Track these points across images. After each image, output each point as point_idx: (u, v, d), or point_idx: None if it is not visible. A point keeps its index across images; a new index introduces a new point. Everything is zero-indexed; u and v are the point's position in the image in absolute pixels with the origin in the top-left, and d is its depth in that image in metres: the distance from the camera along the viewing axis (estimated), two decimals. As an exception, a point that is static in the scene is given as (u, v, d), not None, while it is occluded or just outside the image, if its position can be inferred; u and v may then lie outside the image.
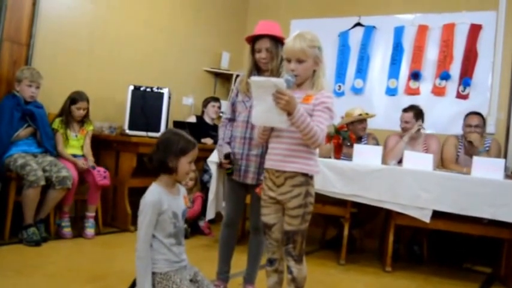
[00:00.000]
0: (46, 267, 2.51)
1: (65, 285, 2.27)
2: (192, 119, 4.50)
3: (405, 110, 3.76)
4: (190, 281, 1.88)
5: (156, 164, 1.81)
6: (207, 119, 4.54)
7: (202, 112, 4.59)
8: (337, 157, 3.36)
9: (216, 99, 4.59)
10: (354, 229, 3.70)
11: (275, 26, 2.20)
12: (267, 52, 2.16)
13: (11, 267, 2.44)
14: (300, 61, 1.83)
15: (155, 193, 1.81)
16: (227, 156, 2.25)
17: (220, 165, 2.35)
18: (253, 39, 2.21)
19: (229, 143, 2.30)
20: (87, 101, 3.44)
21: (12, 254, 2.72)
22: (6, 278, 2.27)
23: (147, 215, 1.77)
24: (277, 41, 2.15)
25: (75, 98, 3.39)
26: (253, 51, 2.21)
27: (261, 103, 1.74)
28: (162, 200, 1.80)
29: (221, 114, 4.44)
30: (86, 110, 3.44)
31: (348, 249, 3.59)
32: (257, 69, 2.24)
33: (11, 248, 2.83)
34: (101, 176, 3.33)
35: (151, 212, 1.77)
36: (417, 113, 3.73)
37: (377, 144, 3.82)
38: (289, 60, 1.85)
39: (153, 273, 1.79)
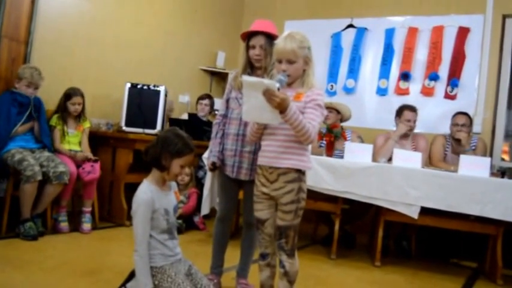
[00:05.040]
0: (42, 261, 2.52)
1: (61, 279, 2.29)
2: (184, 117, 4.54)
3: (412, 110, 3.75)
4: (185, 274, 1.93)
5: (150, 158, 1.85)
6: (200, 116, 4.60)
7: (196, 109, 4.66)
8: (329, 155, 3.43)
9: (204, 97, 4.62)
10: (346, 225, 3.77)
11: (271, 25, 2.23)
12: (260, 49, 2.18)
13: (8, 262, 2.46)
14: (290, 62, 1.85)
15: (147, 191, 1.83)
16: (213, 164, 2.31)
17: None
18: (248, 36, 2.23)
19: (220, 143, 2.32)
20: (82, 96, 3.46)
21: (9, 248, 2.73)
22: (2, 272, 2.28)
23: (142, 214, 1.80)
24: (272, 39, 2.17)
25: (69, 94, 3.42)
26: (247, 48, 2.23)
27: (251, 100, 1.76)
28: (154, 198, 1.83)
29: (216, 113, 4.49)
30: (81, 105, 3.46)
31: (345, 246, 3.66)
32: (251, 66, 2.26)
33: (8, 242, 2.85)
34: (86, 172, 3.33)
35: (145, 211, 1.80)
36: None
37: (362, 141, 3.87)
38: (279, 61, 1.87)
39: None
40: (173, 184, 1.99)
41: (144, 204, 1.81)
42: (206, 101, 4.59)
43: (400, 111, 3.81)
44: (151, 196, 1.83)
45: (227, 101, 2.35)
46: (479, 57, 4.32)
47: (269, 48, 2.16)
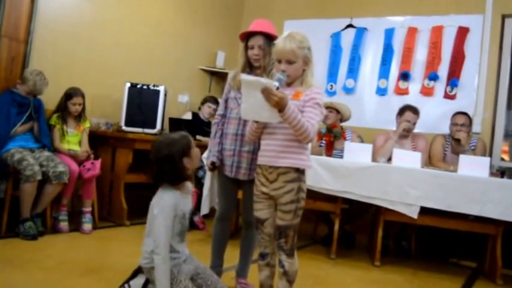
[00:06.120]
0: (42, 261, 2.53)
1: (60, 278, 2.29)
2: (188, 116, 4.54)
3: (414, 111, 3.76)
4: (191, 279, 1.95)
5: (175, 177, 1.87)
6: (202, 116, 4.60)
7: (199, 109, 4.63)
8: (329, 154, 3.43)
9: (214, 101, 4.60)
10: (346, 225, 3.78)
11: (269, 25, 2.24)
12: (259, 49, 2.19)
13: (7, 261, 2.46)
14: (290, 62, 1.86)
15: (171, 195, 1.86)
16: (212, 164, 2.32)
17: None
18: (247, 37, 2.24)
19: (219, 143, 2.32)
20: (83, 96, 3.47)
21: (9, 248, 2.74)
22: (2, 272, 2.28)
23: (167, 218, 1.82)
24: (270, 39, 2.18)
25: (70, 94, 3.42)
26: (246, 48, 2.24)
27: (250, 99, 1.76)
28: (178, 202, 1.87)
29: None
30: (81, 106, 3.47)
31: (344, 246, 3.66)
32: (249, 66, 2.27)
33: (8, 242, 2.85)
34: (86, 169, 3.35)
35: (170, 214, 1.83)
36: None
37: (362, 141, 3.88)
38: (279, 61, 1.88)
39: (153, 268, 1.84)
40: (190, 186, 2.02)
41: (171, 208, 1.83)
42: (216, 106, 4.57)
43: (402, 111, 3.81)
44: (176, 201, 1.86)
45: (226, 100, 2.36)
46: (478, 57, 4.32)
47: (268, 48, 2.17)
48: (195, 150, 1.93)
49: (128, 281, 1.94)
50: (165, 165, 1.85)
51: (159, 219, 1.82)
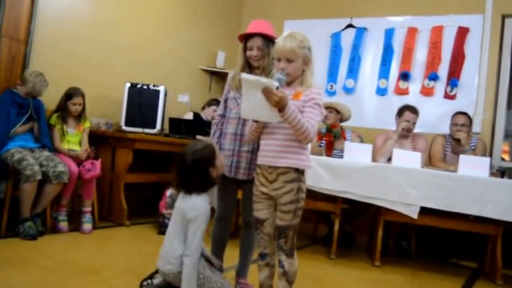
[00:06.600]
0: (41, 261, 2.52)
1: (59, 278, 2.29)
2: (189, 116, 4.53)
3: (413, 111, 3.76)
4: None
5: (202, 186, 1.98)
6: (204, 117, 4.59)
7: (202, 109, 4.59)
8: (329, 154, 3.43)
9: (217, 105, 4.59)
10: (346, 225, 3.78)
11: (267, 25, 2.24)
12: (258, 50, 2.19)
13: (7, 261, 2.46)
14: (289, 61, 1.86)
15: (205, 200, 1.98)
16: None
17: None
18: (245, 38, 2.24)
19: (218, 143, 2.31)
20: (83, 96, 3.47)
21: (8, 248, 2.73)
22: (1, 271, 2.28)
23: (204, 223, 1.93)
24: (269, 39, 2.18)
25: (70, 94, 3.42)
26: (245, 49, 2.24)
27: (251, 98, 1.77)
28: (208, 206, 1.98)
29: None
30: (81, 106, 3.47)
31: (344, 246, 3.66)
32: (249, 66, 2.27)
33: (7, 242, 2.85)
34: (86, 170, 3.35)
35: (206, 220, 1.94)
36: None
37: (361, 141, 3.88)
38: (279, 60, 1.88)
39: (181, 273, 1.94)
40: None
41: (207, 214, 1.95)
42: None
43: (401, 111, 3.81)
44: (208, 206, 1.98)
45: (225, 101, 2.36)
46: (478, 57, 4.32)
47: (266, 49, 2.18)
48: (220, 159, 2.02)
49: (150, 277, 1.99)
50: (192, 176, 1.95)
51: (197, 223, 1.92)
